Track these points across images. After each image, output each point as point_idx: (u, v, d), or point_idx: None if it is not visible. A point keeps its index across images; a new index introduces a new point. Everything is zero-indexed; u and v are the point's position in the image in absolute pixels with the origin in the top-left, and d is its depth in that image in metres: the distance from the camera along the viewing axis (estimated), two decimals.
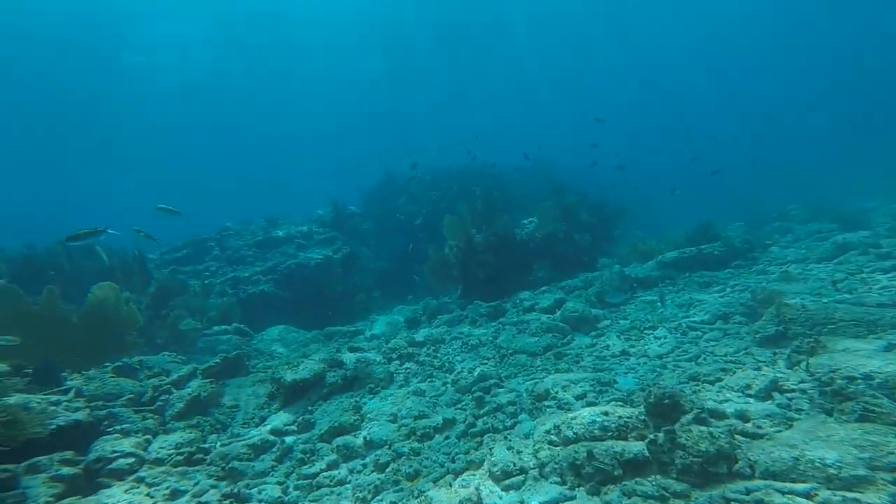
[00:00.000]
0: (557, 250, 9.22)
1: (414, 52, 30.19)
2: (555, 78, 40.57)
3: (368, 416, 4.24)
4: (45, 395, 3.42)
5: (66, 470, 2.68)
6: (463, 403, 4.53)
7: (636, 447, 2.72)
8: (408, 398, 4.62)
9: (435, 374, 5.55)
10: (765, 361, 4.11)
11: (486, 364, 5.58)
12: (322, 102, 36.80)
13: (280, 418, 4.20)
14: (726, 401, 3.48)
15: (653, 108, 47.75)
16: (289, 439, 3.81)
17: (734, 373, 3.91)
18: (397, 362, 6.02)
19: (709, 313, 5.80)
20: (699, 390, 3.76)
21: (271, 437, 3.68)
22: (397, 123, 42.71)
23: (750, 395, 3.46)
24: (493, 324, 7.32)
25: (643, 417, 3.05)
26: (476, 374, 5.05)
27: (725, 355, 4.52)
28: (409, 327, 8.30)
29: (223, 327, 8.52)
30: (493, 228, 8.96)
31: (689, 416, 2.86)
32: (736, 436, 2.81)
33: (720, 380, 3.87)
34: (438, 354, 6.34)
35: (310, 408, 4.41)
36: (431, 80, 34.98)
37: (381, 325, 9.57)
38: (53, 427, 2.85)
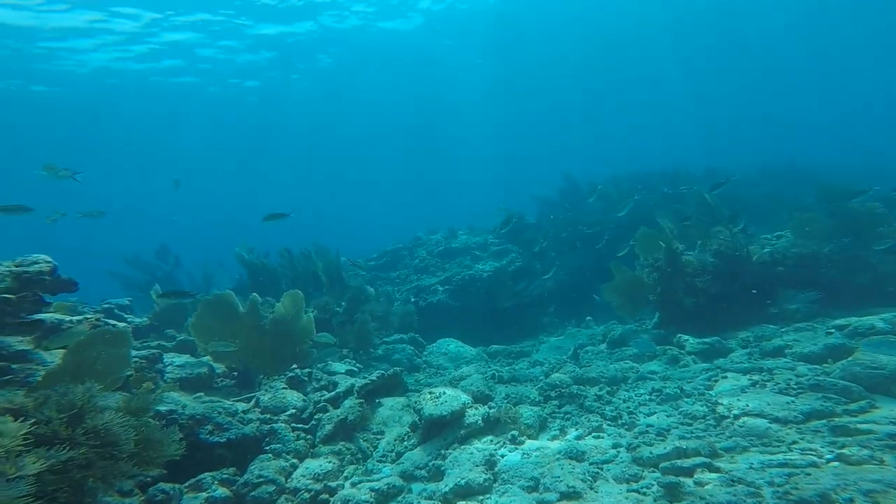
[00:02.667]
0: (829, 276, 6.39)
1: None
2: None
3: (503, 476, 3.57)
4: (233, 401, 4.09)
5: (220, 492, 3.00)
6: (643, 485, 3.19)
7: None
8: (558, 460, 3.75)
9: (606, 427, 4.38)
10: None
11: (691, 427, 3.96)
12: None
13: (413, 458, 3.96)
14: None
15: None
16: (415, 488, 3.53)
17: None
18: (555, 403, 5.14)
19: None
20: None
21: (398, 483, 3.46)
22: (580, 124, 40.08)
23: None
24: (707, 366, 5.39)
25: None
26: (671, 443, 3.57)
27: None
28: (577, 357, 7.22)
29: (400, 336, 9.18)
30: (714, 244, 6.87)
31: None
32: None
33: None
34: (615, 400, 5.09)
35: (443, 451, 4.04)
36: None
37: (547, 348, 8.73)
38: (224, 441, 3.32)
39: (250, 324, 4.90)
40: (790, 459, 3.15)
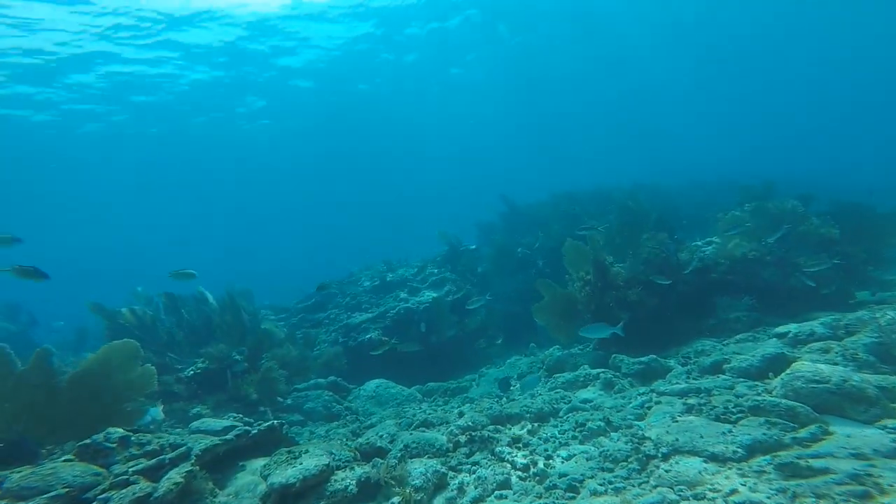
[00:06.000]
0: (763, 280, 5.78)
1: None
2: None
3: None
4: None
5: None
6: None
7: None
8: None
9: (514, 481, 3.42)
10: None
11: (611, 474, 3.09)
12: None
13: None
14: None
15: None
16: None
17: None
18: (465, 451, 4.08)
19: None
20: None
21: None
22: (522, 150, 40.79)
23: None
24: (643, 390, 4.63)
25: None
26: (580, 502, 2.68)
27: None
28: (506, 388, 6.23)
29: (316, 381, 7.91)
30: (644, 253, 6.22)
31: None
32: None
33: None
34: (534, 441, 4.12)
35: None
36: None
37: (487, 382, 7.72)
38: None
39: (34, 383, 3.69)
40: None
